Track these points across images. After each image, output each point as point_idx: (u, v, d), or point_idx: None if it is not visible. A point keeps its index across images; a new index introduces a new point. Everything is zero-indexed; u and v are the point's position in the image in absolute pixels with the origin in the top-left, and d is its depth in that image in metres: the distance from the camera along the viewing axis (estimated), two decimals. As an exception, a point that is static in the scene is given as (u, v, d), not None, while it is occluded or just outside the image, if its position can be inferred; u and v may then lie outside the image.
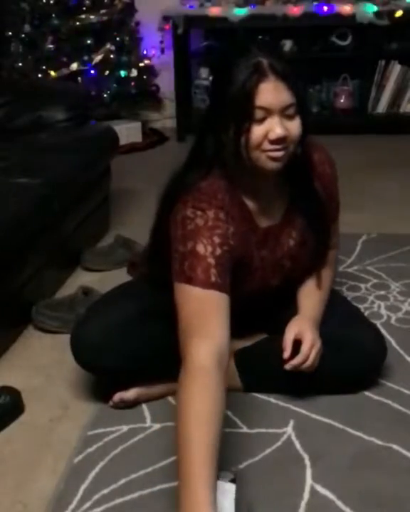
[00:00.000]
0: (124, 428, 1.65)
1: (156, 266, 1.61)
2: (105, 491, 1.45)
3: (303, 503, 1.39)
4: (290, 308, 1.69)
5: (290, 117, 1.38)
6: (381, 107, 4.21)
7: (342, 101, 4.21)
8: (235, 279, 1.45)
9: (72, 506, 1.41)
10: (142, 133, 4.21)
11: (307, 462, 1.51)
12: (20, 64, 3.84)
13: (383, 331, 1.92)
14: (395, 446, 1.55)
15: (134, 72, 4.08)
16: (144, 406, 1.72)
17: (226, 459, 1.43)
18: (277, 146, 1.38)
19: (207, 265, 1.37)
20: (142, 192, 3.19)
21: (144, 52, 4.25)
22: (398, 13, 3.84)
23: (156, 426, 1.65)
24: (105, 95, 3.98)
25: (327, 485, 1.44)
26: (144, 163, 3.81)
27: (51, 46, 3.87)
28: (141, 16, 4.17)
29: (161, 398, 1.73)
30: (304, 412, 1.68)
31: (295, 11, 3.86)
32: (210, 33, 4.29)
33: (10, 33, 3.88)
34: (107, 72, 4.00)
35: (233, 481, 1.33)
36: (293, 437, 1.59)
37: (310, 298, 1.69)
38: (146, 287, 1.72)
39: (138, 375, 1.69)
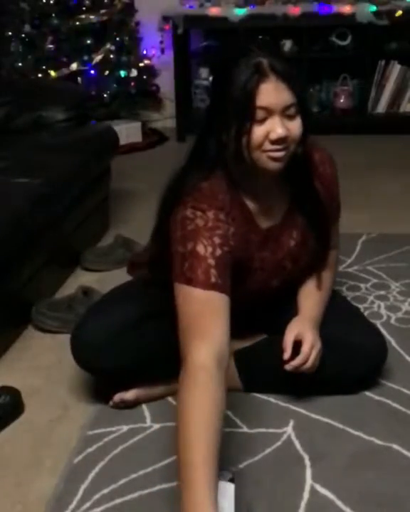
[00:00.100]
0: (124, 428, 1.65)
1: (157, 267, 1.60)
2: (105, 491, 1.45)
3: (303, 503, 1.39)
4: (290, 309, 1.69)
5: (291, 117, 1.38)
6: (381, 106, 4.21)
7: (341, 101, 4.21)
8: (236, 279, 1.45)
9: (72, 506, 1.41)
10: (142, 133, 4.21)
11: (307, 462, 1.51)
12: (20, 64, 3.84)
13: (383, 331, 1.92)
14: (395, 446, 1.55)
15: (134, 72, 4.09)
16: (144, 406, 1.72)
17: (226, 459, 1.43)
18: (278, 147, 1.38)
19: (207, 266, 1.37)
20: (141, 192, 3.20)
21: (144, 52, 4.26)
22: (398, 13, 3.84)
23: (156, 426, 1.65)
24: (105, 95, 3.99)
25: (326, 485, 1.44)
26: (144, 163, 3.81)
27: (51, 46, 3.87)
28: (141, 16, 4.17)
29: (161, 398, 1.73)
30: (304, 412, 1.68)
31: (295, 11, 3.86)
32: (210, 33, 4.29)
33: (10, 33, 3.88)
34: (107, 72, 4.00)
35: (231, 480, 1.34)
36: (293, 437, 1.59)
37: (310, 298, 1.69)
38: (146, 288, 1.72)
39: (138, 375, 1.69)
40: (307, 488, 1.44)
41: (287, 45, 4.08)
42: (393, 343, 1.94)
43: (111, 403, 1.71)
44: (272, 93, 1.34)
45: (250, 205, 1.53)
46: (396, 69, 4.13)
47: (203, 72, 4.28)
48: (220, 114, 1.40)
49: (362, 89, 4.21)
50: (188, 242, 1.39)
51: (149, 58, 4.24)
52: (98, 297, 1.99)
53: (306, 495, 1.42)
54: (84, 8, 3.89)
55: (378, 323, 2.03)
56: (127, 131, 4.06)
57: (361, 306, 2.10)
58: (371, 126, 4.18)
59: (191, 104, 4.36)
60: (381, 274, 2.38)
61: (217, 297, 1.36)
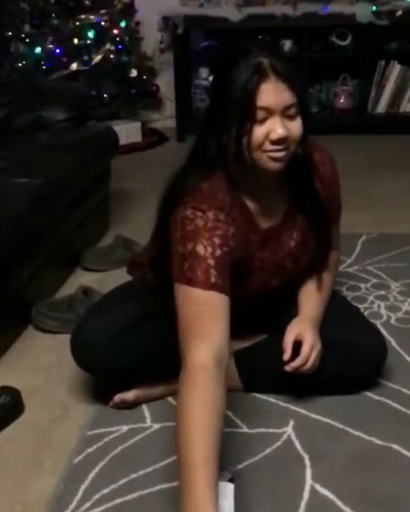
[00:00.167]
0: (124, 428, 1.65)
1: (157, 267, 1.60)
2: (105, 491, 1.45)
3: (303, 503, 1.39)
4: (290, 309, 1.69)
5: (291, 117, 1.38)
6: (381, 106, 4.21)
7: (341, 101, 4.21)
8: (236, 279, 1.45)
9: (72, 506, 1.41)
10: (142, 133, 4.21)
11: (307, 462, 1.51)
12: (20, 64, 3.84)
13: (383, 331, 1.92)
14: (395, 446, 1.55)
15: (134, 72, 4.08)
16: (144, 406, 1.72)
17: (226, 459, 1.43)
18: (279, 147, 1.38)
19: (207, 266, 1.37)
20: (141, 192, 3.19)
21: (144, 52, 4.25)
22: (398, 13, 3.84)
23: (156, 426, 1.65)
24: (105, 95, 3.98)
25: (326, 485, 1.44)
26: (144, 163, 3.81)
27: (51, 46, 3.87)
28: (141, 16, 4.17)
29: (161, 399, 1.73)
30: (304, 412, 1.68)
31: (295, 11, 3.86)
32: (210, 33, 4.29)
33: (10, 33, 3.87)
34: (107, 72, 4.00)
35: (231, 480, 1.34)
36: (293, 437, 1.59)
37: (311, 299, 1.68)
38: (146, 288, 1.72)
39: (138, 375, 1.69)
40: (307, 488, 1.44)
41: (287, 45, 4.08)
42: (393, 343, 1.94)
43: (111, 404, 1.71)
44: (272, 93, 1.34)
45: (251, 205, 1.53)
46: (396, 69, 4.13)
47: (203, 72, 4.28)
48: (220, 114, 1.40)
49: (362, 89, 4.21)
50: (188, 242, 1.39)
51: (149, 58, 4.24)
52: (98, 297, 1.99)
53: (306, 495, 1.42)
54: (84, 8, 3.88)
55: (378, 323, 2.03)
56: (127, 131, 4.06)
57: (361, 306, 2.10)
58: (371, 126, 4.18)
59: (191, 104, 4.36)
60: (381, 274, 2.38)
61: (217, 297, 1.36)
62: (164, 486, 1.44)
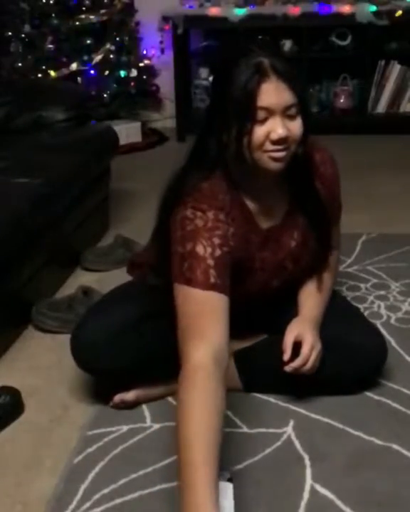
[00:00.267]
0: (124, 428, 1.65)
1: (160, 268, 1.59)
2: (105, 491, 1.45)
3: (303, 503, 1.39)
4: (290, 309, 1.69)
5: (292, 117, 1.38)
6: (381, 106, 4.21)
7: (341, 101, 4.21)
8: (236, 280, 1.45)
9: (72, 506, 1.41)
10: (142, 133, 4.21)
11: (307, 462, 1.51)
12: (20, 64, 3.84)
13: (383, 331, 1.92)
14: (395, 446, 1.55)
15: (134, 72, 4.09)
16: (144, 406, 1.72)
17: (226, 459, 1.43)
18: (279, 147, 1.38)
19: (206, 266, 1.37)
20: (141, 192, 3.19)
21: (144, 52, 4.26)
22: (398, 13, 3.84)
23: (156, 426, 1.65)
24: (105, 95, 3.99)
25: (326, 485, 1.44)
26: (144, 163, 3.81)
27: (51, 46, 3.87)
28: (141, 16, 4.17)
29: (161, 399, 1.73)
30: (304, 412, 1.68)
31: (295, 11, 3.86)
32: (210, 33, 4.29)
33: (10, 33, 3.88)
34: (107, 72, 4.00)
35: (230, 480, 1.34)
36: (293, 437, 1.59)
37: (311, 299, 1.68)
38: (146, 288, 1.72)
39: (138, 376, 1.69)
40: (307, 488, 1.44)
41: (287, 45, 4.08)
42: (393, 343, 1.94)
43: (111, 404, 1.71)
44: (273, 93, 1.34)
45: (251, 205, 1.53)
46: (396, 69, 4.13)
47: (203, 72, 4.28)
48: (220, 114, 1.40)
49: (362, 89, 4.22)
50: (188, 242, 1.39)
51: (149, 58, 4.24)
52: (98, 297, 1.99)
53: (306, 495, 1.42)
54: (84, 8, 3.89)
55: (378, 323, 2.03)
56: (127, 131, 4.06)
57: (361, 306, 2.10)
58: (371, 126, 4.18)
59: (191, 104, 4.36)
60: (381, 274, 2.39)
61: (216, 297, 1.36)
62: (164, 486, 1.45)
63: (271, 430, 1.62)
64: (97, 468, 1.52)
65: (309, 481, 1.46)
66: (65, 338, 1.79)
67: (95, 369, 1.68)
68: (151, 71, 4.22)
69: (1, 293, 1.96)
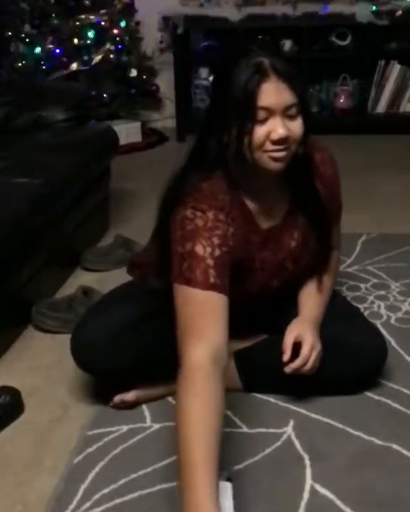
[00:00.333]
0: (124, 428, 1.65)
1: (161, 269, 1.59)
2: (105, 491, 1.45)
3: (303, 503, 1.39)
4: (290, 309, 1.68)
5: (292, 117, 1.38)
6: (381, 106, 4.21)
7: (341, 101, 4.21)
8: (236, 280, 1.45)
9: (72, 506, 1.41)
10: (142, 133, 4.21)
11: (307, 462, 1.51)
12: (20, 64, 3.84)
13: (383, 331, 1.92)
14: (395, 446, 1.55)
15: (134, 72, 4.09)
16: (144, 406, 1.72)
17: (226, 459, 1.43)
18: (279, 147, 1.38)
19: (206, 266, 1.37)
20: (141, 192, 3.19)
21: (144, 52, 4.25)
22: (398, 13, 3.84)
23: (156, 426, 1.65)
24: (105, 95, 3.98)
25: (326, 485, 1.44)
26: (144, 163, 3.81)
27: (51, 46, 3.87)
28: (141, 16, 4.17)
29: (161, 399, 1.73)
30: (304, 411, 1.68)
31: (295, 11, 3.86)
32: (210, 33, 4.29)
33: (10, 33, 3.88)
34: (107, 72, 4.00)
35: (229, 479, 1.34)
36: (293, 437, 1.59)
37: (311, 299, 1.68)
38: (146, 288, 1.71)
39: (138, 376, 1.69)
40: (307, 488, 1.44)
41: (287, 45, 4.08)
42: (393, 343, 1.94)
43: (111, 404, 1.71)
44: (273, 93, 1.34)
45: (251, 205, 1.53)
46: (396, 69, 4.13)
47: (203, 72, 4.28)
48: (220, 114, 1.40)
49: (362, 89, 4.21)
50: (188, 242, 1.39)
51: (149, 58, 4.24)
52: (98, 297, 1.99)
53: (306, 495, 1.42)
54: (84, 8, 3.88)
55: (378, 323, 2.03)
56: (127, 131, 4.06)
57: (361, 306, 2.10)
58: (371, 126, 4.18)
59: (191, 104, 4.36)
60: (381, 274, 2.39)
61: (216, 297, 1.36)
62: (164, 486, 1.45)
63: (271, 430, 1.62)
64: (97, 468, 1.52)
65: (309, 481, 1.46)
66: (65, 338, 1.79)
67: (94, 369, 1.68)
68: (151, 71, 4.22)
69: (1, 293, 1.96)
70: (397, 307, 2.16)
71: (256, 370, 1.72)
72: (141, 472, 1.50)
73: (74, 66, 3.90)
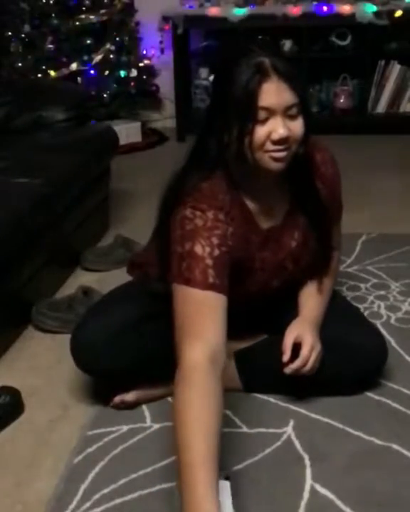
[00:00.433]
0: (124, 428, 1.65)
1: (161, 268, 1.59)
2: (105, 491, 1.45)
3: (303, 503, 1.39)
4: (291, 309, 1.68)
5: (293, 117, 1.37)
6: (381, 106, 4.21)
7: (341, 101, 4.21)
8: (236, 280, 1.45)
9: (72, 506, 1.41)
10: (142, 133, 4.21)
11: (307, 462, 1.51)
12: (20, 64, 3.84)
13: (383, 331, 1.92)
14: (395, 446, 1.55)
15: (134, 72, 4.09)
16: (144, 406, 1.72)
17: (226, 459, 1.43)
18: (280, 147, 1.38)
19: (205, 266, 1.37)
20: (141, 192, 3.20)
21: (144, 52, 4.26)
22: (398, 13, 3.84)
23: (156, 426, 1.65)
24: (105, 95, 3.99)
25: (326, 485, 1.44)
26: (144, 163, 3.81)
27: (51, 46, 3.87)
28: (141, 16, 4.17)
29: (161, 399, 1.73)
30: (304, 411, 1.68)
31: (295, 11, 3.86)
32: (210, 33, 4.29)
33: (10, 33, 3.88)
34: (107, 72, 4.00)
35: (227, 478, 1.34)
36: (293, 437, 1.59)
37: (311, 300, 1.68)
38: (146, 288, 1.71)
39: (138, 376, 1.69)
40: (307, 488, 1.44)
41: (287, 45, 4.08)
42: (393, 343, 1.94)
43: (111, 404, 1.71)
44: (274, 93, 1.34)
45: (251, 205, 1.52)
46: (396, 69, 4.13)
47: (203, 72, 4.28)
48: (221, 114, 1.40)
49: (362, 89, 4.22)
50: (187, 242, 1.39)
51: (149, 58, 4.24)
52: (98, 297, 1.99)
53: (306, 495, 1.42)
54: (84, 8, 3.89)
55: (378, 323, 2.03)
56: (127, 131, 4.06)
57: (361, 306, 2.10)
58: (371, 126, 4.18)
59: (191, 104, 4.36)
60: (381, 274, 2.38)
61: (214, 297, 1.36)
62: (164, 486, 1.45)
63: (271, 430, 1.62)
64: (97, 468, 1.52)
65: (309, 481, 1.46)
66: (65, 338, 1.79)
67: (94, 369, 1.68)
68: (151, 71, 4.22)
69: (1, 293, 1.96)
70: (397, 307, 2.16)
71: (256, 370, 1.72)
72: (141, 472, 1.50)
73: (74, 66, 3.91)
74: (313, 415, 1.66)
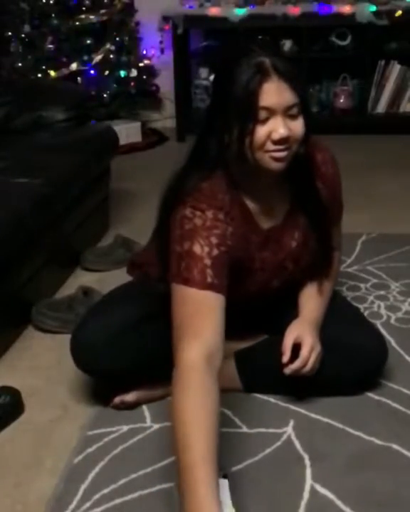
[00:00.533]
0: (124, 428, 1.65)
1: (161, 268, 1.59)
2: (105, 491, 1.45)
3: (303, 503, 1.39)
4: (291, 309, 1.68)
5: (293, 117, 1.37)
6: (381, 106, 4.21)
7: (341, 101, 4.21)
8: (236, 280, 1.45)
9: (72, 506, 1.41)
10: (142, 133, 4.21)
11: (307, 462, 1.51)
12: (20, 64, 3.84)
13: (383, 331, 1.93)
14: (395, 446, 1.55)
15: (134, 72, 4.09)
16: (144, 406, 1.72)
17: (226, 459, 1.43)
18: (280, 147, 1.37)
19: (203, 266, 1.37)
20: (141, 192, 3.19)
21: (144, 52, 4.26)
22: (398, 13, 3.84)
23: (156, 426, 1.65)
24: (105, 95, 3.99)
25: (326, 485, 1.44)
26: (144, 163, 3.81)
27: (51, 46, 3.87)
28: (141, 16, 4.17)
29: (161, 399, 1.73)
30: (304, 412, 1.68)
31: (295, 11, 3.86)
32: (210, 33, 4.29)
33: (10, 33, 3.88)
34: (107, 72, 4.00)
35: (225, 476, 1.34)
36: (293, 437, 1.59)
37: (311, 301, 1.68)
38: (146, 288, 1.71)
39: (138, 377, 1.69)
40: (307, 488, 1.44)
41: (287, 45, 4.08)
42: (393, 343, 1.94)
43: (111, 405, 1.71)
44: (274, 93, 1.33)
45: (251, 205, 1.52)
46: (395, 69, 4.13)
47: (203, 72, 4.28)
48: (221, 114, 1.39)
49: (362, 89, 4.22)
50: (186, 241, 1.39)
51: (149, 58, 4.24)
52: (98, 297, 1.99)
53: (306, 495, 1.42)
54: (84, 8, 3.89)
55: (378, 323, 2.03)
56: (127, 131, 4.06)
57: (361, 306, 2.10)
58: (371, 126, 4.19)
59: (190, 104, 4.36)
60: (381, 274, 2.38)
61: (213, 297, 1.36)
62: (164, 486, 1.44)
63: (271, 430, 1.62)
64: (97, 468, 1.52)
65: (309, 481, 1.46)
66: (65, 338, 1.79)
67: (94, 370, 1.68)
68: (151, 71, 4.22)
69: (1, 293, 1.96)
70: (397, 307, 2.16)
71: (256, 370, 1.72)
72: (141, 472, 1.50)
73: (74, 66, 3.91)
74: (313, 415, 1.66)
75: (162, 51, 4.22)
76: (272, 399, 1.73)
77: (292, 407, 1.70)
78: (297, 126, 1.38)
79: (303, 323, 1.62)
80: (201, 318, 1.33)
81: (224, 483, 1.32)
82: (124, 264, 2.28)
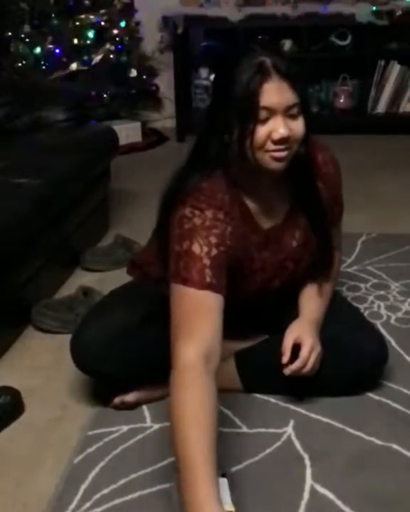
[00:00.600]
0: (124, 428, 1.65)
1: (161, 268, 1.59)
2: (105, 491, 1.45)
3: (303, 503, 1.39)
4: (291, 310, 1.68)
5: (294, 117, 1.37)
6: (381, 106, 4.21)
7: (341, 101, 4.22)
8: (236, 279, 1.45)
9: (72, 506, 1.41)
10: (142, 133, 4.21)
11: (307, 462, 1.51)
12: (20, 64, 3.84)
13: (383, 331, 1.93)
14: (395, 446, 1.55)
15: (134, 72, 4.09)
16: (144, 406, 1.72)
17: (226, 459, 1.44)
18: (281, 146, 1.37)
19: (202, 266, 1.37)
20: (141, 192, 3.19)
21: (144, 52, 4.25)
22: (398, 13, 3.84)
23: (156, 426, 1.65)
24: (105, 95, 3.98)
25: (326, 485, 1.44)
26: (144, 163, 3.81)
27: (51, 46, 3.87)
28: (141, 16, 4.17)
29: (161, 399, 1.73)
30: (304, 412, 1.68)
31: (295, 11, 3.86)
32: (210, 33, 4.29)
33: (10, 33, 3.88)
34: (107, 73, 4.00)
35: (223, 475, 1.34)
36: (293, 437, 1.59)
37: (312, 301, 1.68)
38: (147, 289, 1.71)
39: (138, 378, 1.69)
40: (307, 488, 1.44)
41: (287, 45, 4.08)
42: (393, 343, 1.94)
43: (111, 405, 1.71)
44: (275, 93, 1.33)
45: (251, 205, 1.52)
46: (395, 69, 4.13)
47: (203, 72, 4.28)
48: (222, 114, 1.39)
49: (362, 89, 4.22)
50: (185, 241, 1.39)
51: (149, 58, 4.24)
52: (98, 297, 1.99)
53: (306, 495, 1.42)
54: (84, 8, 3.89)
55: (378, 323, 2.03)
56: (127, 131, 4.06)
57: (361, 306, 2.10)
58: (371, 126, 4.19)
59: (190, 104, 4.36)
60: (381, 274, 2.38)
61: (211, 297, 1.36)
62: (164, 486, 1.44)
63: (271, 430, 1.62)
64: (97, 468, 1.52)
65: (309, 481, 1.46)
66: (65, 338, 1.79)
67: (94, 371, 1.68)
68: (151, 71, 4.22)
69: (1, 293, 1.96)
70: (397, 307, 2.16)
71: (256, 370, 1.72)
72: (141, 472, 1.50)
73: (74, 66, 3.90)
74: (313, 415, 1.66)
75: (162, 51, 4.22)
76: (272, 399, 1.73)
77: (292, 407, 1.70)
78: (298, 126, 1.38)
79: (303, 323, 1.62)
80: (199, 317, 1.33)
81: (224, 482, 1.32)
82: (124, 264, 2.28)
